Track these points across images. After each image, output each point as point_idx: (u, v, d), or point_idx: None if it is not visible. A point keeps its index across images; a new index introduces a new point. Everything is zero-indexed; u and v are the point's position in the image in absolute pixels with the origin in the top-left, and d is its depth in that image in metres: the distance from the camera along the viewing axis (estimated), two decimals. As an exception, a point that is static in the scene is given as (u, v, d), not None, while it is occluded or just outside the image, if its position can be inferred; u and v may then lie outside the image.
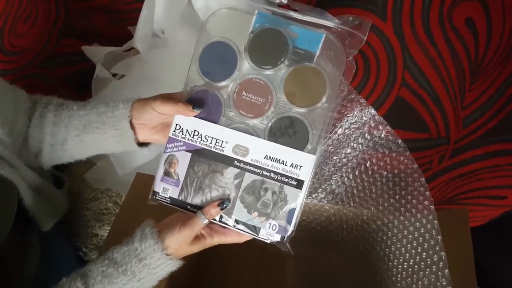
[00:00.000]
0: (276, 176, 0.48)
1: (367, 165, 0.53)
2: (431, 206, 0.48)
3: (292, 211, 0.48)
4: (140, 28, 0.69)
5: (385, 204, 0.52)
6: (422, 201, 0.49)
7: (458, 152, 0.72)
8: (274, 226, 0.48)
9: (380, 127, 0.51)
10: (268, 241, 0.49)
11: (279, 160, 0.48)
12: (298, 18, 0.48)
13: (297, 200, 0.48)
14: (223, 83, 0.50)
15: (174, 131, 0.51)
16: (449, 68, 0.69)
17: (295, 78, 0.49)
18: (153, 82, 0.71)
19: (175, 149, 0.51)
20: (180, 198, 0.50)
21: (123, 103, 0.51)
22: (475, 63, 0.69)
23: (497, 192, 0.70)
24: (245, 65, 0.50)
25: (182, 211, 0.50)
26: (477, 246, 0.56)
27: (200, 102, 0.50)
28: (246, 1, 0.49)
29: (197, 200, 0.50)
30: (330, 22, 0.47)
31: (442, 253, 0.45)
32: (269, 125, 0.49)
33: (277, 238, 0.48)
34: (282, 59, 0.48)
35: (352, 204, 0.55)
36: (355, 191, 0.54)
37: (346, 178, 0.55)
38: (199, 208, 0.50)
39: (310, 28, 0.48)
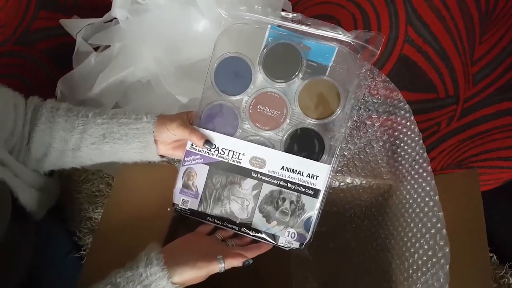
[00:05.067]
0: (293, 186, 0.50)
1: (371, 130, 0.52)
2: (428, 167, 0.47)
3: (309, 219, 0.50)
4: (118, -5, 0.64)
5: (393, 171, 0.51)
6: (422, 163, 0.48)
7: (468, 111, 0.67)
8: (293, 234, 0.50)
9: (387, 90, 0.50)
10: (287, 249, 0.51)
11: (296, 170, 0.50)
12: (311, 32, 0.49)
13: (314, 208, 0.50)
14: (238, 97, 0.51)
15: (192, 145, 0.52)
16: (456, 19, 0.64)
17: (309, 91, 0.50)
18: (135, 50, 0.67)
19: (192, 162, 0.52)
20: (199, 210, 0.52)
21: (146, 116, 0.52)
22: (486, 11, 0.63)
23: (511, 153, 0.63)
24: (259, 79, 0.51)
25: (202, 222, 0.52)
26: (490, 210, 0.52)
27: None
28: (259, 16, 0.50)
29: (216, 211, 0.51)
30: (342, 36, 0.48)
31: (439, 213, 0.44)
32: (285, 137, 0.51)
33: (296, 245, 0.50)
34: (296, 73, 0.50)
35: (361, 174, 0.54)
36: (359, 163, 0.53)
37: (352, 146, 0.53)
38: (218, 219, 0.51)
39: (322, 41, 0.49)
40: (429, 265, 0.41)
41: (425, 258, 0.42)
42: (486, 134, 0.66)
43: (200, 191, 0.52)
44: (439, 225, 0.42)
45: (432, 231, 0.42)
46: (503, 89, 0.66)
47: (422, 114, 0.67)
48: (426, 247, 0.43)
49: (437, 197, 0.43)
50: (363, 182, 0.55)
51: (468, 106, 0.68)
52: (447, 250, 0.40)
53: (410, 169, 0.48)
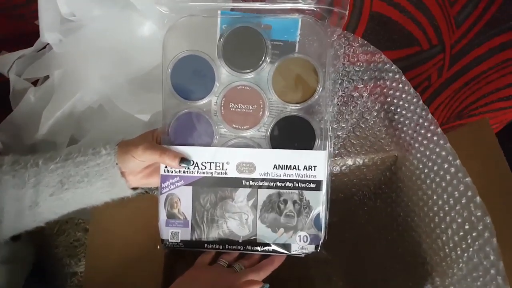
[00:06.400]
0: (292, 184, 0.44)
1: (360, 102, 0.47)
2: (437, 129, 0.42)
3: (319, 216, 0.44)
4: (43, 17, 0.57)
5: (395, 140, 0.46)
6: (428, 126, 0.42)
7: (458, 57, 0.63)
8: (305, 237, 0.44)
9: (367, 54, 0.46)
10: (303, 255, 0.45)
11: (290, 166, 0.44)
12: (267, 8, 0.43)
13: (320, 202, 0.44)
14: (205, 100, 0.45)
15: (166, 167, 0.44)
16: (423, -43, 0.60)
17: (282, 74, 0.44)
18: (78, 74, 0.59)
19: (172, 186, 0.45)
20: (193, 239, 0.45)
21: (104, 148, 0.44)
22: None
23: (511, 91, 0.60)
24: (224, 74, 0.44)
25: (200, 251, 0.45)
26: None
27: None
28: (205, 3, 0.43)
29: (213, 235, 0.45)
30: (303, 4, 0.42)
31: (466, 179, 0.39)
32: (269, 132, 0.44)
33: (311, 249, 0.44)
34: (263, 57, 0.43)
35: (361, 152, 0.48)
36: (356, 140, 0.48)
37: (344, 124, 0.48)
38: (217, 243, 0.44)
39: (283, 16, 0.43)
40: (469, 241, 0.36)
41: (462, 233, 0.37)
42: (481, 77, 0.62)
43: (189, 217, 0.45)
44: (469, 193, 0.37)
45: (463, 201, 0.37)
46: (490, 25, 0.61)
47: (409, 71, 0.62)
48: (459, 220, 0.37)
49: (458, 161, 0.38)
50: (366, 160, 0.49)
51: (456, 51, 0.63)
52: (488, 221, 0.35)
53: (415, 135, 0.42)
